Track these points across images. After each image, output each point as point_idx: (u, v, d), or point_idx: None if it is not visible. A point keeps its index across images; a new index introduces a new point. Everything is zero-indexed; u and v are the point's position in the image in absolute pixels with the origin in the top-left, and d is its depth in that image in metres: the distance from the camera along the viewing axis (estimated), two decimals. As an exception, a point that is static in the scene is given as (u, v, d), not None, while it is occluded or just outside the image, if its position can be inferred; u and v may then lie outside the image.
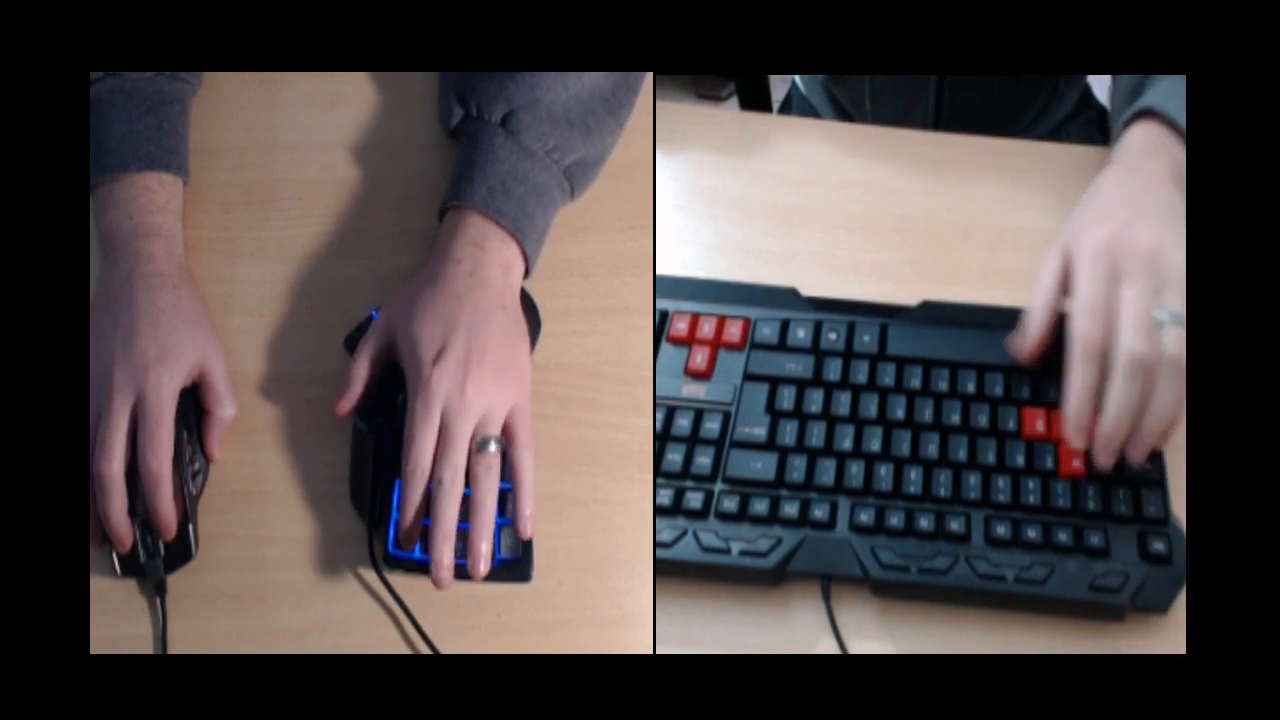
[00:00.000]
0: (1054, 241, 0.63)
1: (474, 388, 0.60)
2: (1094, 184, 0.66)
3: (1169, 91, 0.67)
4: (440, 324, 0.61)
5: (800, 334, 0.67)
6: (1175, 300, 0.58)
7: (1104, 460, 0.59)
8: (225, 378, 0.64)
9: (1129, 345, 0.57)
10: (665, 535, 0.60)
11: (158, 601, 0.62)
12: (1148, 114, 0.67)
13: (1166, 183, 0.64)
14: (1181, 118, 0.65)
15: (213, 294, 0.68)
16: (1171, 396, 0.57)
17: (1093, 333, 0.58)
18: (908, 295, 0.69)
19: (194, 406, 0.63)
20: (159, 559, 0.61)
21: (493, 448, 0.61)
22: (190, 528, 0.62)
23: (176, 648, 0.61)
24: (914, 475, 0.61)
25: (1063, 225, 0.64)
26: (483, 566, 0.60)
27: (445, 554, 0.59)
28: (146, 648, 0.61)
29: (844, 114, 1.01)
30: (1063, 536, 0.59)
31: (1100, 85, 1.04)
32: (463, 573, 0.62)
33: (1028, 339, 0.63)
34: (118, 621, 0.62)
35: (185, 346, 0.62)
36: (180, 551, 0.62)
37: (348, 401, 0.63)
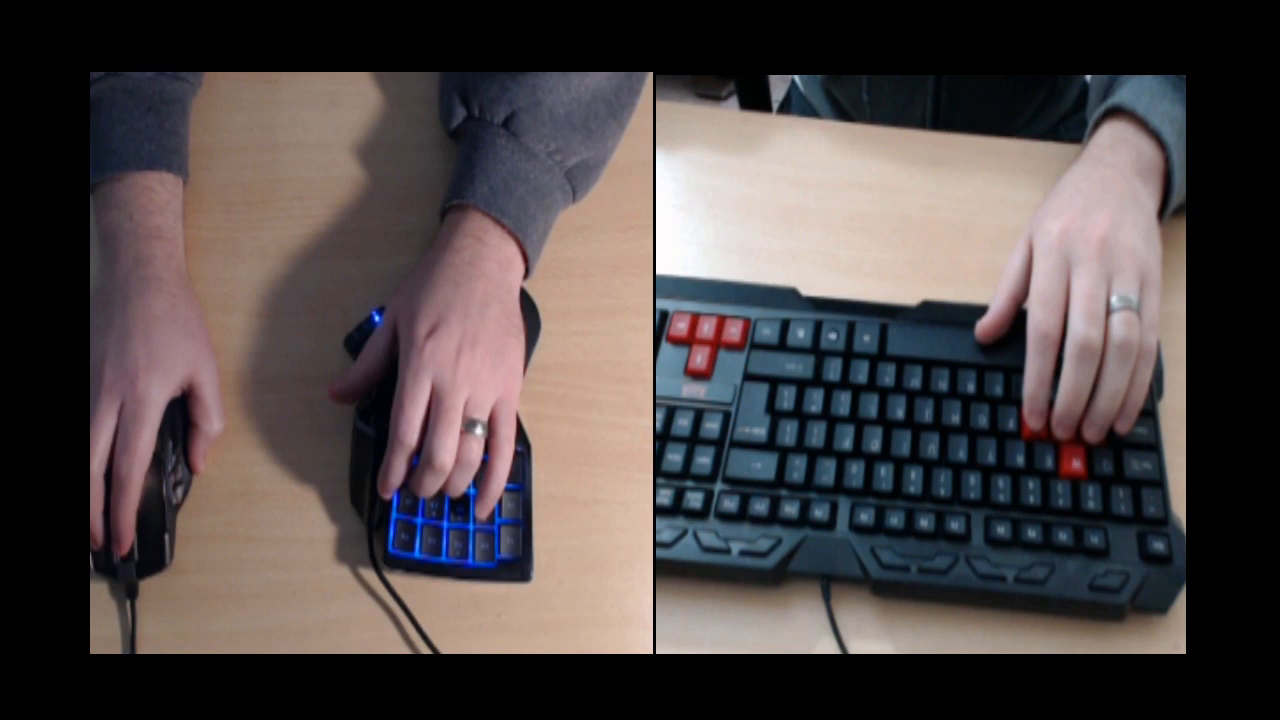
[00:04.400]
0: (1022, 234, 0.66)
1: (465, 367, 0.60)
2: (1060, 179, 0.68)
3: (1136, 89, 0.69)
4: (437, 303, 0.61)
5: (800, 334, 0.67)
6: (1126, 284, 0.60)
7: (1060, 434, 0.61)
8: (215, 392, 0.64)
9: (1077, 331, 0.59)
10: (665, 535, 0.60)
11: (129, 604, 0.61)
12: (1116, 111, 0.70)
13: (1129, 174, 0.66)
14: (1147, 111, 0.68)
15: (213, 294, 0.68)
16: (1121, 379, 0.59)
17: (1045, 322, 0.61)
18: (908, 295, 0.69)
19: (183, 416, 0.63)
20: (131, 563, 0.61)
21: (479, 431, 0.60)
22: (167, 537, 0.62)
23: (175, 647, 0.61)
24: (914, 475, 0.61)
25: (1030, 218, 0.66)
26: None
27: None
28: (120, 649, 0.61)
29: (843, 113, 1.01)
30: (1063, 536, 0.59)
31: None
32: (462, 573, 0.62)
33: (988, 319, 0.65)
34: (99, 623, 0.61)
35: (176, 358, 0.62)
36: (154, 559, 0.61)
37: (342, 384, 0.63)
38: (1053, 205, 0.65)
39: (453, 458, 0.60)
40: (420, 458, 0.60)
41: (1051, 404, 0.61)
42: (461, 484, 0.61)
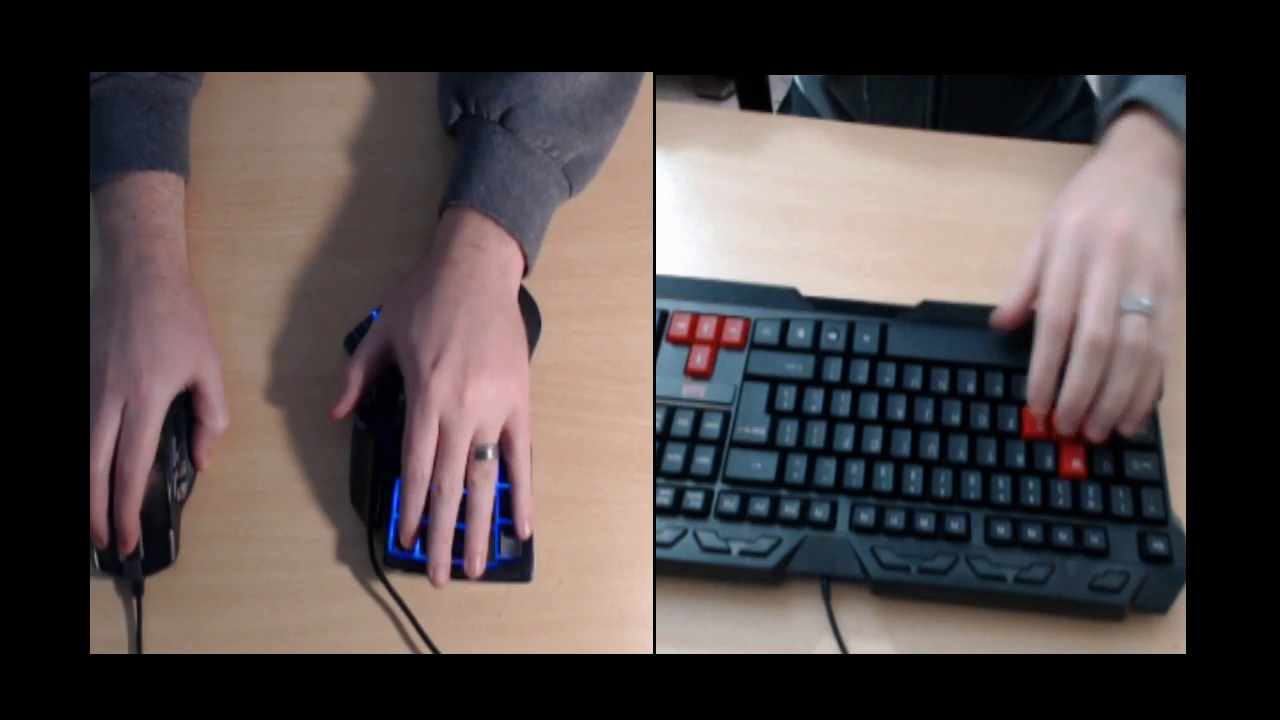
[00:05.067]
0: (1038, 224, 0.64)
1: (472, 394, 0.60)
2: (1080, 172, 0.66)
3: (1154, 82, 0.67)
4: (438, 329, 0.61)
5: (800, 334, 0.67)
6: (1143, 287, 0.59)
7: (1063, 428, 0.61)
8: (219, 389, 0.64)
9: (1089, 326, 0.58)
10: (665, 535, 0.60)
11: (134, 602, 0.62)
12: (1134, 105, 0.68)
13: (1153, 170, 0.64)
14: (1168, 105, 0.66)
15: (213, 294, 0.68)
16: (1127, 382, 0.59)
17: (1057, 311, 0.60)
18: (908, 295, 0.69)
19: (186, 413, 0.63)
20: (137, 560, 0.61)
21: (490, 455, 0.61)
22: (171, 533, 0.62)
23: (176, 647, 0.61)
24: (914, 475, 0.61)
25: (1047, 210, 0.65)
26: (479, 565, 0.61)
27: (442, 554, 0.61)
28: (126, 649, 0.61)
29: (843, 113, 1.01)
30: (1063, 536, 0.59)
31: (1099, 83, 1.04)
32: (462, 573, 0.62)
33: (1005, 308, 0.64)
34: (102, 622, 0.62)
35: (180, 356, 0.62)
36: (159, 555, 0.62)
37: (344, 406, 0.64)
38: (1073, 195, 0.64)
39: (460, 487, 0.60)
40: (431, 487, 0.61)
41: (1056, 397, 0.61)
42: (485, 504, 0.61)
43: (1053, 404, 0.61)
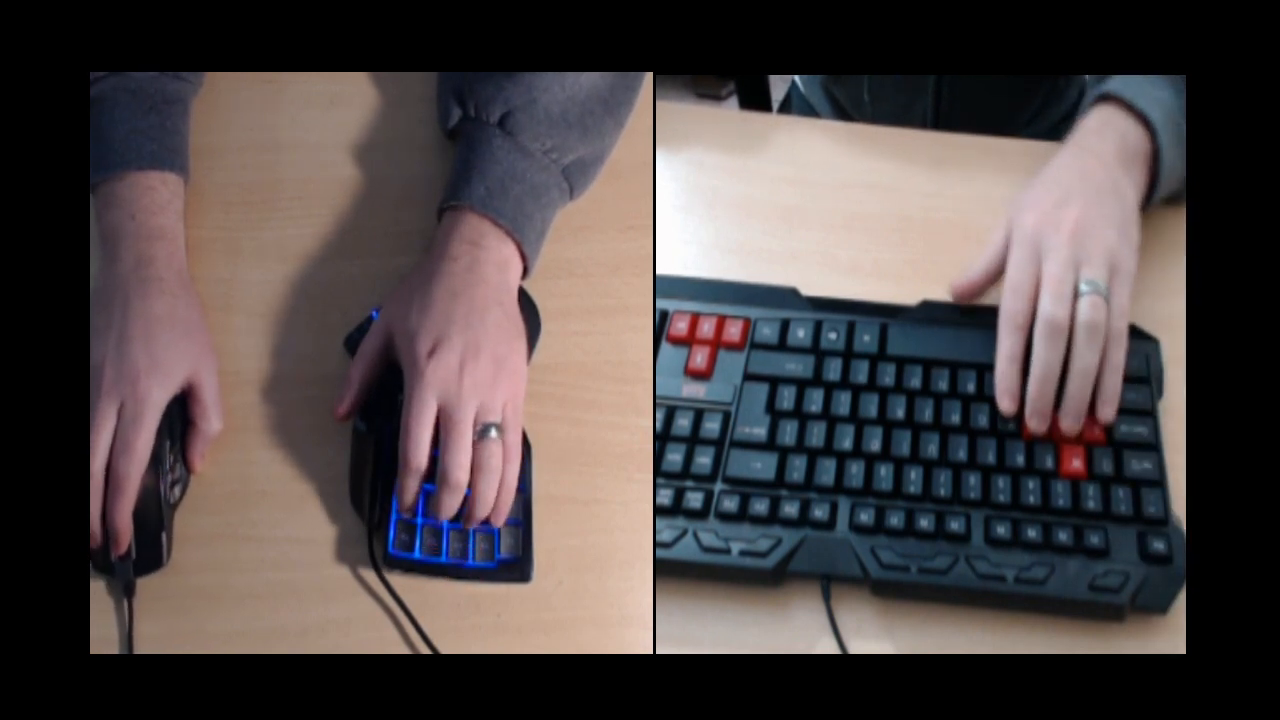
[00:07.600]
0: (1003, 216, 0.67)
1: (470, 376, 0.60)
2: (1043, 167, 0.68)
3: (1127, 78, 0.70)
4: (436, 319, 0.61)
5: (800, 334, 0.67)
6: (1094, 272, 0.62)
7: (1035, 424, 0.62)
8: (214, 392, 0.64)
9: (1043, 311, 0.61)
10: (665, 535, 0.60)
11: (125, 603, 0.61)
12: (1105, 98, 0.70)
13: (1110, 162, 0.67)
14: (1135, 95, 0.68)
15: (213, 294, 0.68)
16: (1089, 358, 0.60)
17: (1015, 307, 0.62)
18: (908, 295, 0.69)
19: (181, 416, 0.63)
20: (129, 561, 0.61)
21: (494, 434, 0.60)
22: (164, 536, 0.62)
23: (175, 647, 0.61)
24: (914, 475, 0.61)
25: (1011, 201, 0.67)
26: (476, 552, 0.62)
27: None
28: (117, 649, 0.61)
29: (843, 113, 1.01)
30: (1063, 536, 0.59)
31: (1100, 85, 1.04)
32: (462, 573, 0.62)
33: (963, 281, 0.68)
34: (94, 622, 0.61)
35: (176, 359, 0.62)
36: (151, 558, 0.62)
37: (346, 403, 0.63)
38: (1031, 195, 0.66)
39: (466, 473, 0.60)
40: (435, 480, 0.60)
41: (1025, 391, 0.62)
42: (489, 492, 0.60)
43: (1021, 400, 0.62)
